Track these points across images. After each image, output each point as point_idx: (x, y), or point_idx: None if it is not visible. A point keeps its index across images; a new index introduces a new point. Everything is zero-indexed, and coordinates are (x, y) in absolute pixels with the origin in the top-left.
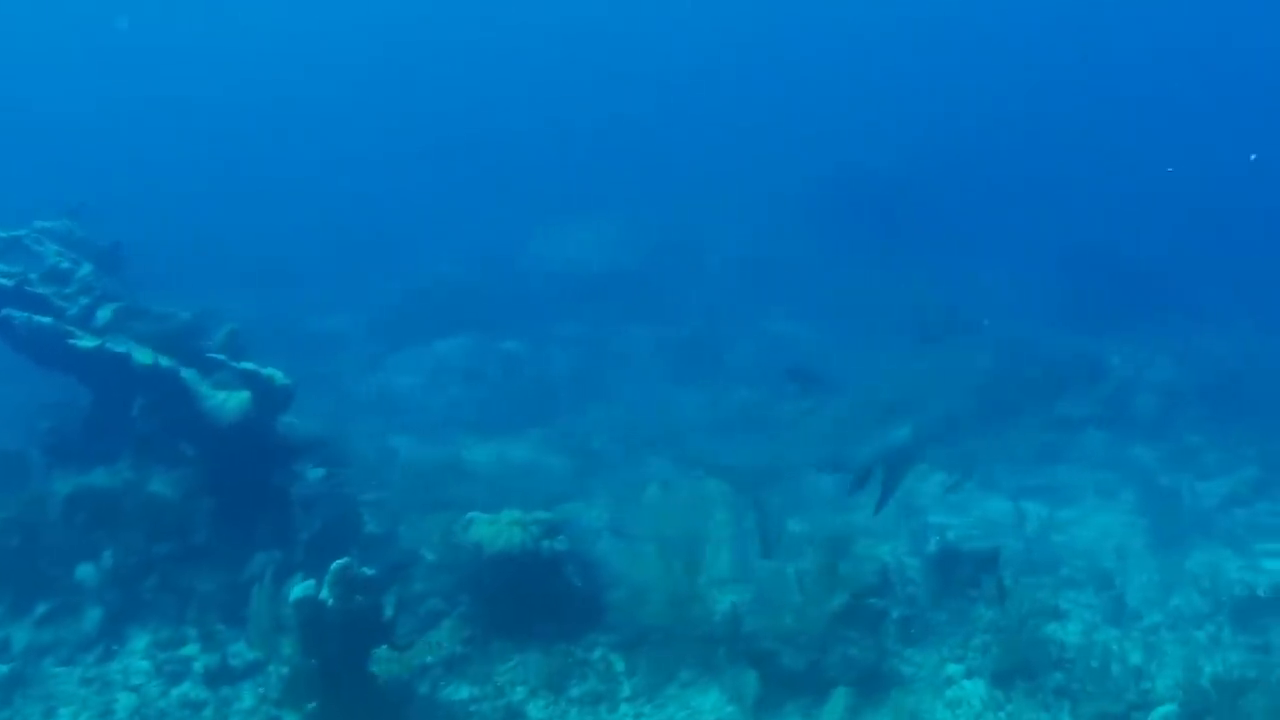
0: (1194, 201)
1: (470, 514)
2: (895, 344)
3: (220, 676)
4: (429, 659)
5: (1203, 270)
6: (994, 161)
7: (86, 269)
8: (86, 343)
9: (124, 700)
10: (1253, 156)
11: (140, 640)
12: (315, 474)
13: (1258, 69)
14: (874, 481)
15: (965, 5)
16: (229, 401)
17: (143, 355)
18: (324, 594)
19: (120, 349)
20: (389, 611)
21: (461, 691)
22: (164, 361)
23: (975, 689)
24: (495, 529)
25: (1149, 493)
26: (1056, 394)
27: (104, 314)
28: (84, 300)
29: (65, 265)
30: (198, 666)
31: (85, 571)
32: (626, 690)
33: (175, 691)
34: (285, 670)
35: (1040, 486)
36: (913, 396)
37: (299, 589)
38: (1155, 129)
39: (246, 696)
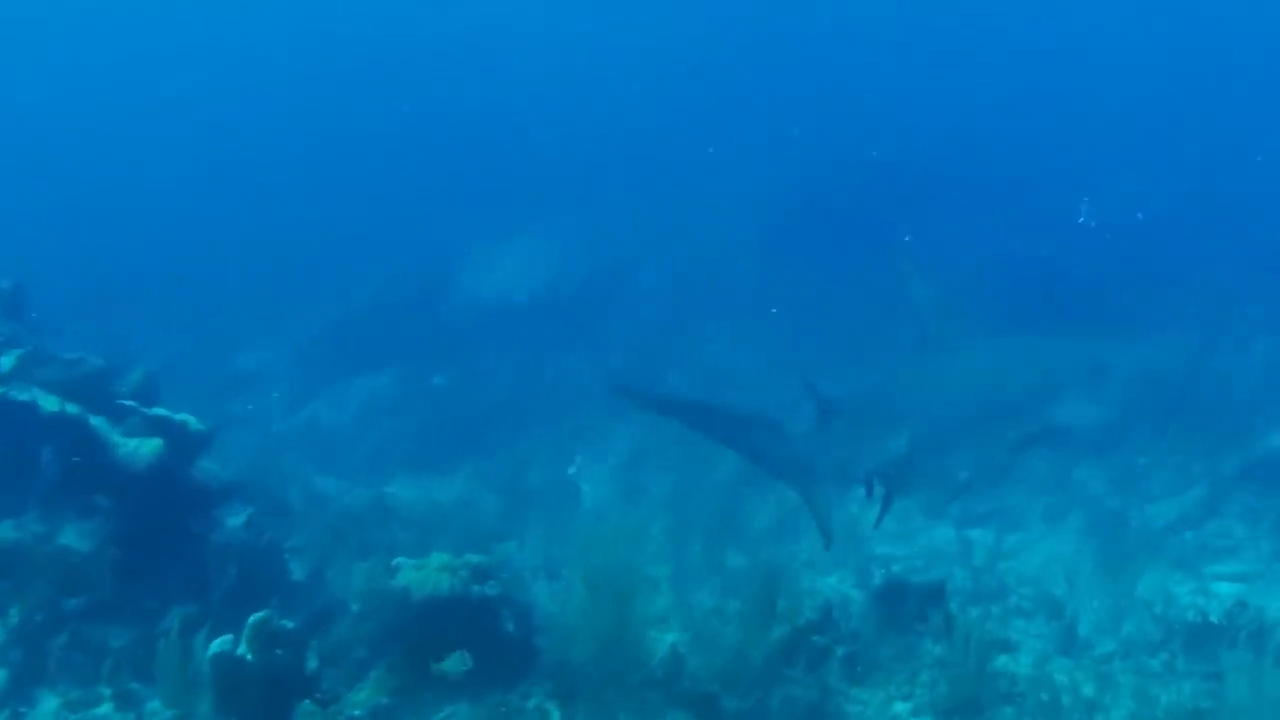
0: (1136, 214)
1: (397, 559)
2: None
3: None
4: (356, 712)
5: (1147, 284)
6: (936, 174)
7: None
8: None
9: None
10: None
11: (50, 702)
12: (235, 520)
13: (1190, 77)
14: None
15: (901, 14)
16: (140, 449)
17: (49, 403)
18: (241, 649)
19: (24, 397)
20: (312, 664)
21: None
22: (71, 409)
23: None
24: (423, 574)
25: (1097, 516)
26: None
27: (6, 362)
28: None
29: None
30: None
31: None
32: None
33: None
34: None
35: (986, 512)
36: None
37: (215, 644)
38: (1101, 140)
39: None
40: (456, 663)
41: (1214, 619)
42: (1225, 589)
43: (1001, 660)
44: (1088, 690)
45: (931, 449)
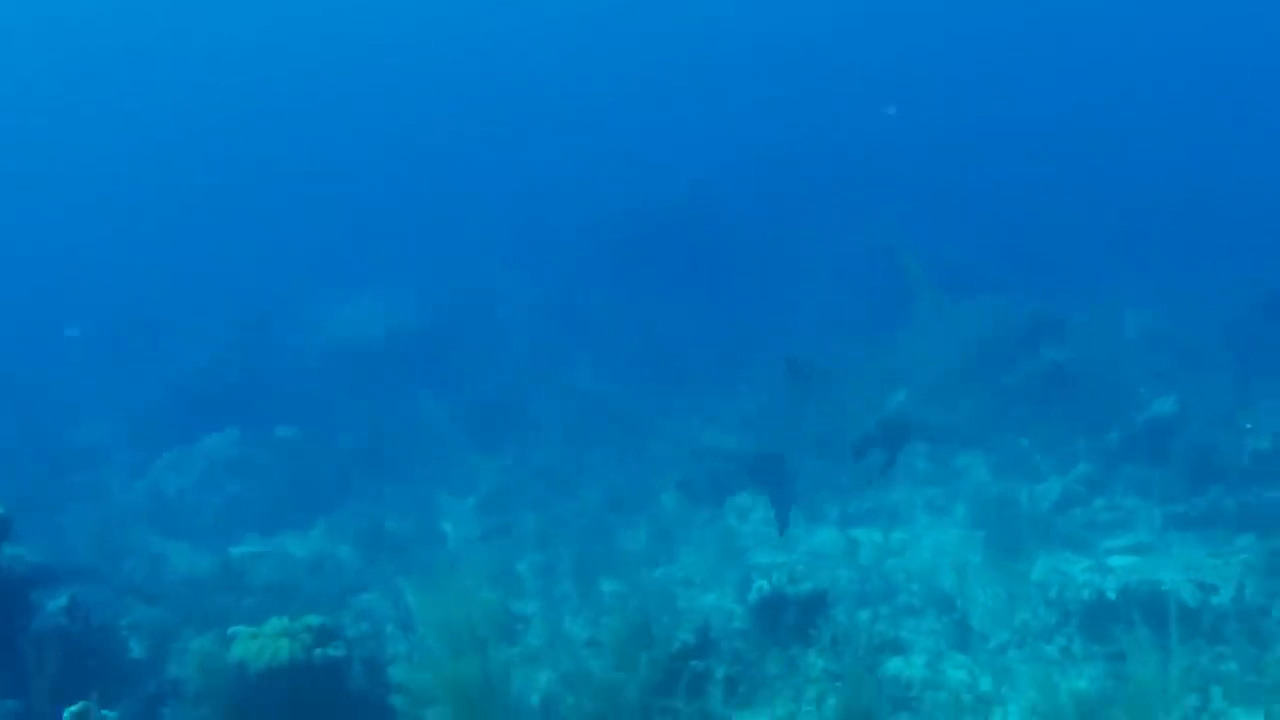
0: (998, 206)
1: (234, 628)
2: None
3: None
4: None
5: (1010, 274)
6: (783, 189)
7: None
8: None
9: None
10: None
11: None
12: (56, 604)
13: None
14: None
15: (746, 36)
16: None
17: None
18: None
19: None
20: None
21: None
22: None
23: None
24: (260, 643)
25: (982, 503)
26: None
27: None
28: None
29: None
30: None
31: None
32: None
33: None
34: None
35: (868, 510)
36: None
37: None
38: (955, 145)
39: None
40: None
41: (1111, 596)
42: (1121, 561)
43: (894, 664)
44: (985, 685)
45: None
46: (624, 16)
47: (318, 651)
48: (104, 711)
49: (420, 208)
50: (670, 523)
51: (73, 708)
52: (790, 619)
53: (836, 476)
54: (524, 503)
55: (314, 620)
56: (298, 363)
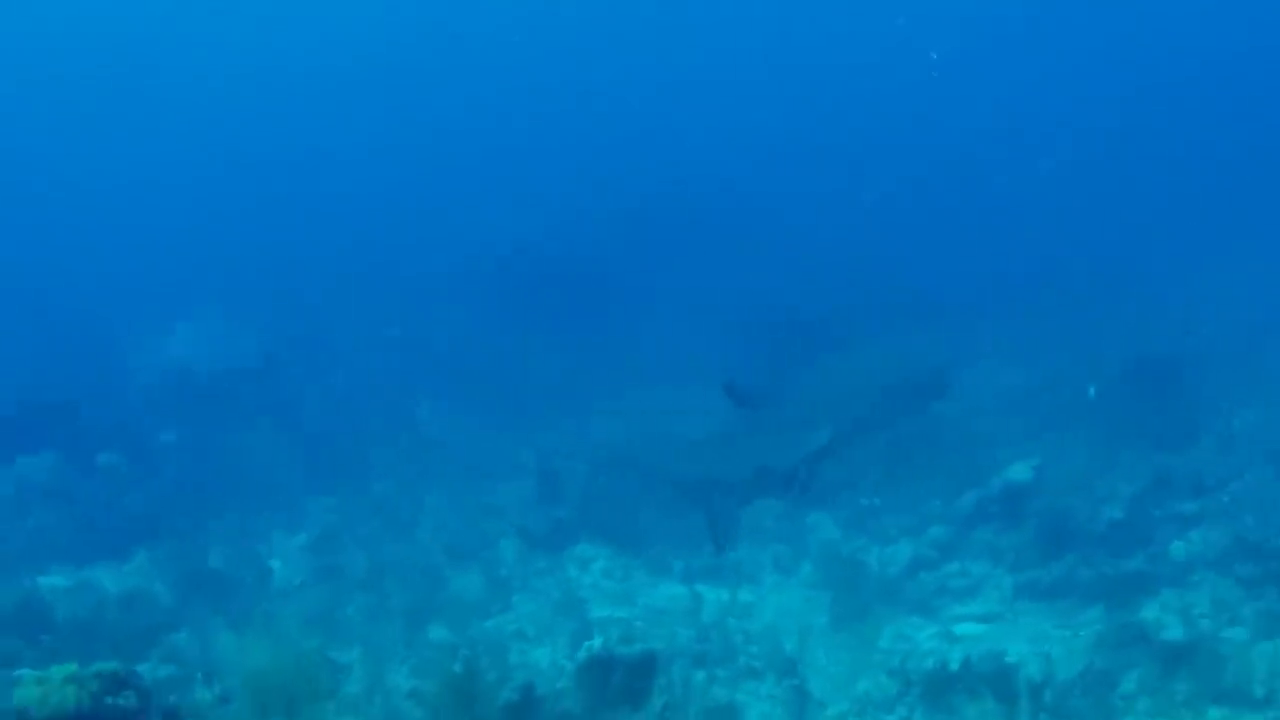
0: (857, 259)
1: (19, 671)
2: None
3: None
4: None
5: (867, 328)
6: (647, 229)
7: None
8: None
9: None
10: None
11: None
12: None
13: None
14: None
15: (616, 75)
16: None
17: None
18: None
19: None
20: None
21: None
22: None
23: None
24: (45, 689)
25: (831, 564)
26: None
27: None
28: None
29: None
30: None
31: None
32: None
33: None
34: None
35: (715, 565)
36: None
37: None
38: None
39: None
40: None
41: (953, 667)
42: (967, 629)
43: None
44: None
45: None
46: (489, 52)
47: (108, 700)
48: None
49: (269, 235)
50: (508, 570)
51: None
52: (619, 680)
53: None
54: (356, 543)
55: (106, 666)
56: (126, 386)
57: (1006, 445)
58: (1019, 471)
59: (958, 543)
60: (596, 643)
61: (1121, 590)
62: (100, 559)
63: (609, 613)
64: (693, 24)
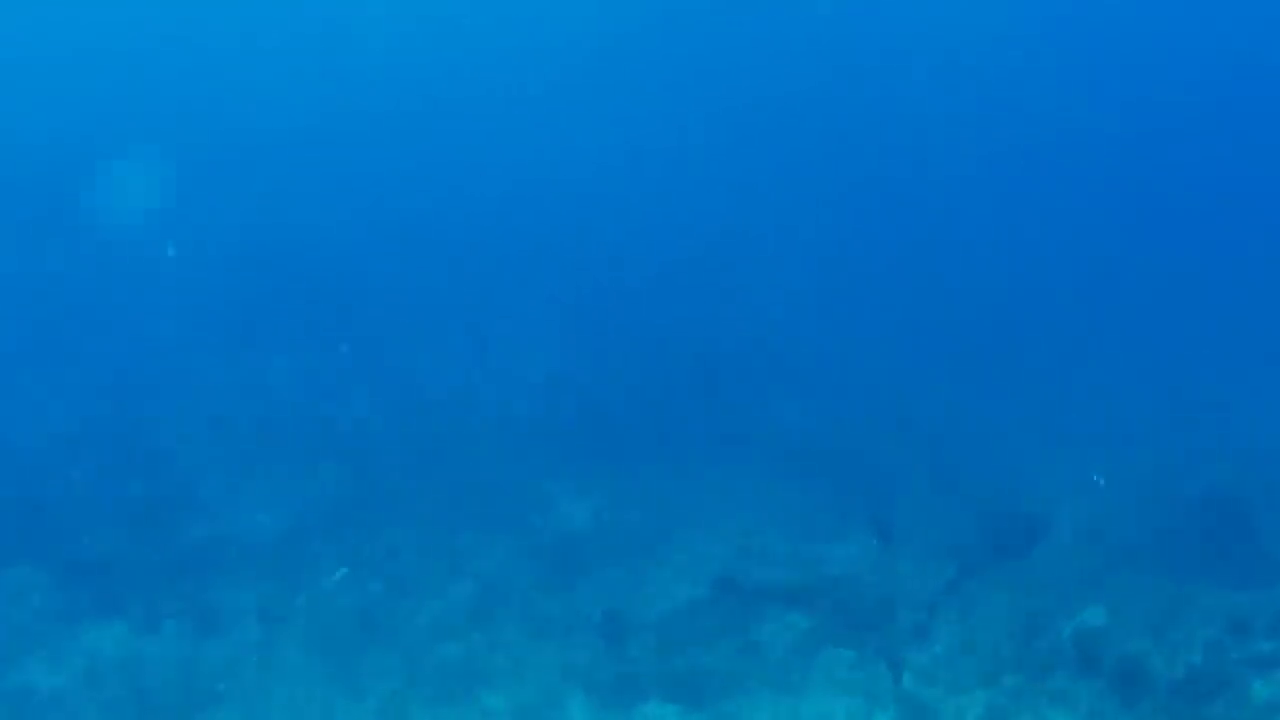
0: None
1: None
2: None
3: None
4: None
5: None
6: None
7: None
8: None
9: None
10: None
11: None
12: None
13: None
14: None
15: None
16: None
17: None
18: None
19: None
20: None
21: None
22: None
23: None
24: None
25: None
26: None
27: None
28: None
29: None
30: None
31: None
32: None
33: None
34: None
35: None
36: None
37: None
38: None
39: None
40: None
41: None
42: None
43: None
44: None
45: None
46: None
47: None
48: None
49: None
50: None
51: None
52: None
53: None
54: None
55: None
56: None
57: (1076, 584)
58: (1092, 615)
59: (1030, 690)
60: None
61: None
62: None
63: None
64: None
